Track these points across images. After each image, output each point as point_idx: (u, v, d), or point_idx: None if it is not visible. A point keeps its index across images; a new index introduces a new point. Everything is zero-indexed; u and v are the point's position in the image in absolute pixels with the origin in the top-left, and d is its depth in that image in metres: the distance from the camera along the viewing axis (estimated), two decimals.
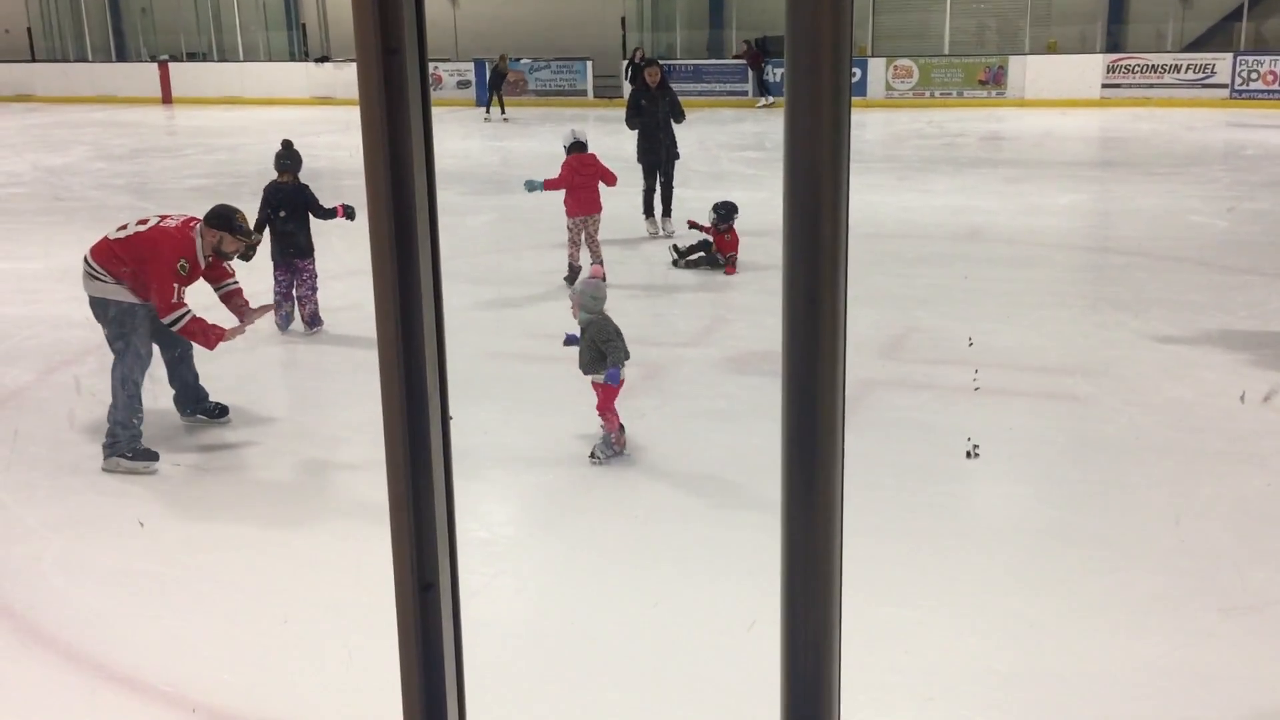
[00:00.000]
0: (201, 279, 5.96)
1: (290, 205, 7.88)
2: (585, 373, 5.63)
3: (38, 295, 9.17)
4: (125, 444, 5.56)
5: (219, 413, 6.28)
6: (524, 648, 4.01)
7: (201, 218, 5.85)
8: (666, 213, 11.17)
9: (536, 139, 20.82)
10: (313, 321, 8.00)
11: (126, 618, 4.22)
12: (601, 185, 9.17)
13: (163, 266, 5.55)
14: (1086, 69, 23.71)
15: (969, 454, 5.52)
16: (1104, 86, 23.69)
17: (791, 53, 1.00)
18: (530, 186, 9.03)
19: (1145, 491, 5.15)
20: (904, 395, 6.45)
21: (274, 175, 8.22)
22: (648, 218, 11.22)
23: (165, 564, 4.65)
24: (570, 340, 5.76)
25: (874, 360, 7.11)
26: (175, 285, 5.58)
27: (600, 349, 5.51)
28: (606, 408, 5.58)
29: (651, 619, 4.15)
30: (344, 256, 9.10)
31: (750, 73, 25.79)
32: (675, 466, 5.54)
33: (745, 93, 25.92)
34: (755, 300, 8.90)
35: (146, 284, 5.59)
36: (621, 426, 5.64)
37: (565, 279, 9.11)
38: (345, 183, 14.25)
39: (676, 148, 11.32)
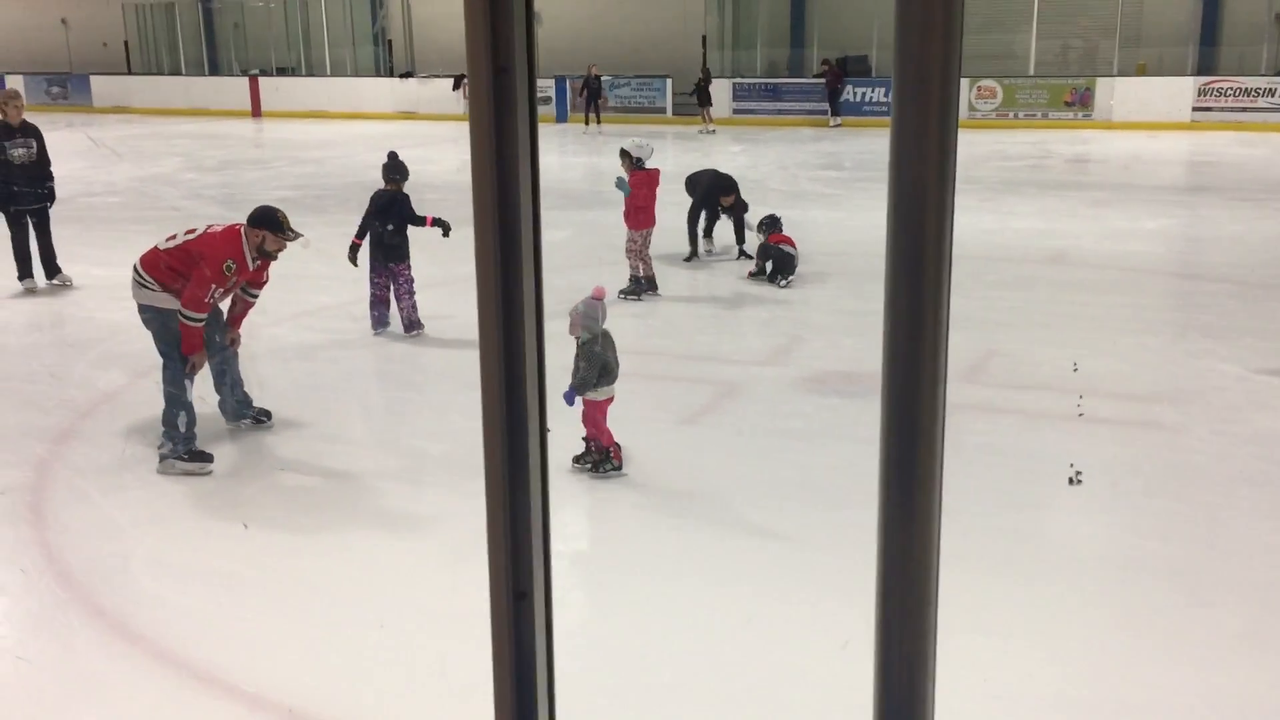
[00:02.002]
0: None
1: (394, 213, 8.10)
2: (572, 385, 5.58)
3: (130, 302, 9.41)
4: (180, 446, 5.70)
5: (264, 417, 6.37)
6: (608, 660, 4.02)
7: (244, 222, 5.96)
8: (740, 240, 11.02)
9: (614, 156, 20.94)
10: (410, 325, 8.22)
11: (214, 619, 4.32)
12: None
13: (210, 268, 5.69)
14: (1176, 91, 23.24)
15: (1072, 480, 5.42)
16: (1194, 110, 23.19)
17: (900, 73, 1.01)
18: (620, 185, 9.28)
19: (1236, 524, 5.02)
20: (986, 420, 6.36)
21: (370, 188, 8.46)
22: (706, 238, 11.10)
23: (253, 566, 4.75)
24: (569, 397, 5.62)
25: (955, 384, 6.99)
26: (214, 286, 5.70)
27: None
28: (590, 422, 5.57)
29: (740, 638, 4.14)
30: (433, 267, 9.22)
31: (827, 92, 25.67)
32: (752, 485, 5.53)
33: (825, 112, 25.81)
34: (830, 320, 8.86)
35: (192, 284, 5.69)
36: (615, 444, 5.62)
37: (627, 292, 9.23)
38: (428, 196, 14.47)
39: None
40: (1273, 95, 22.80)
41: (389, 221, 8.09)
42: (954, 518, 5.01)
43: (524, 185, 1.20)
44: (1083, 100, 24.16)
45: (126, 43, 34.89)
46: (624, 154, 9.37)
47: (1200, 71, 24.41)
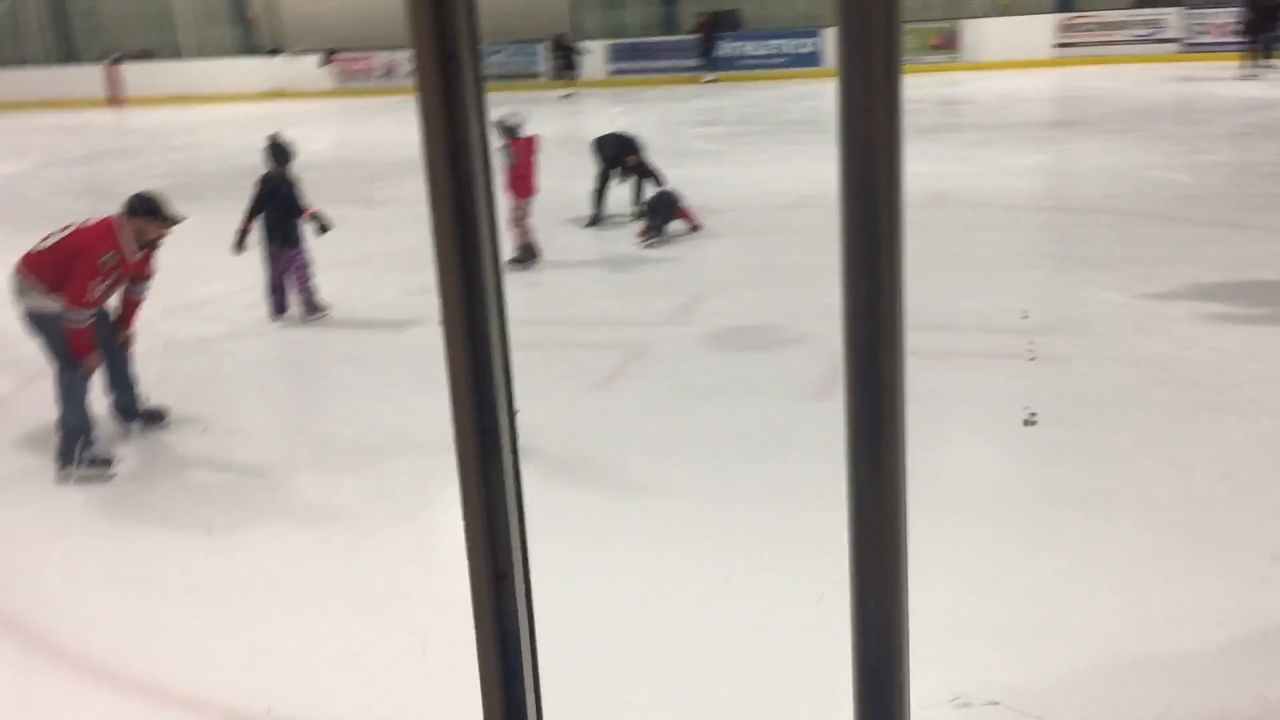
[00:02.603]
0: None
1: (280, 197, 7.94)
2: None
3: (7, 305, 9.06)
4: (80, 452, 5.53)
5: (157, 418, 6.16)
6: (586, 633, 4.03)
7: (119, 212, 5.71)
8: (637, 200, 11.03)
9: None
10: (310, 309, 8.10)
11: (140, 625, 4.22)
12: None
13: (87, 263, 5.45)
14: (1038, 29, 23.89)
15: (1027, 421, 5.55)
16: (1056, 46, 23.87)
17: (845, 30, 1.03)
18: (505, 152, 9.22)
19: (1133, 447, 5.25)
20: None
21: (246, 172, 8.24)
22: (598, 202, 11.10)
23: (172, 569, 4.65)
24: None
25: None
26: (92, 282, 5.45)
27: None
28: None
29: (716, 598, 4.20)
30: (327, 249, 9.05)
31: (701, 48, 25.70)
32: (674, 444, 5.59)
33: (700, 69, 25.89)
34: (729, 275, 8.96)
35: (71, 282, 5.46)
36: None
37: (516, 260, 9.24)
38: (309, 175, 14.14)
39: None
40: (1129, 28, 23.58)
41: (276, 206, 7.91)
42: None
43: (478, 172, 1.21)
44: (949, 43, 24.66)
45: None
46: (499, 126, 9.28)
47: (1060, 8, 25.11)
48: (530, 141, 9.38)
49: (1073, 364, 6.36)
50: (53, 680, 3.89)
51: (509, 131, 9.27)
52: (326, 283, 8.37)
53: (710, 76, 25.37)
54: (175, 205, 5.90)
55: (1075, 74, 22.31)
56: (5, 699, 3.83)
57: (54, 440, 5.62)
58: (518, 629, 1.36)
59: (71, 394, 5.52)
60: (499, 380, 1.28)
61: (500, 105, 10.23)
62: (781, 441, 5.58)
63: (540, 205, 9.69)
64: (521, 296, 8.73)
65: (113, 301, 5.91)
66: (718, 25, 26.02)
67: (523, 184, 9.32)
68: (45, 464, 5.70)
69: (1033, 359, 6.41)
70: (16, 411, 6.60)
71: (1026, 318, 7.10)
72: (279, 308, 8.12)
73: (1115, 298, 7.46)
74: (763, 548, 4.52)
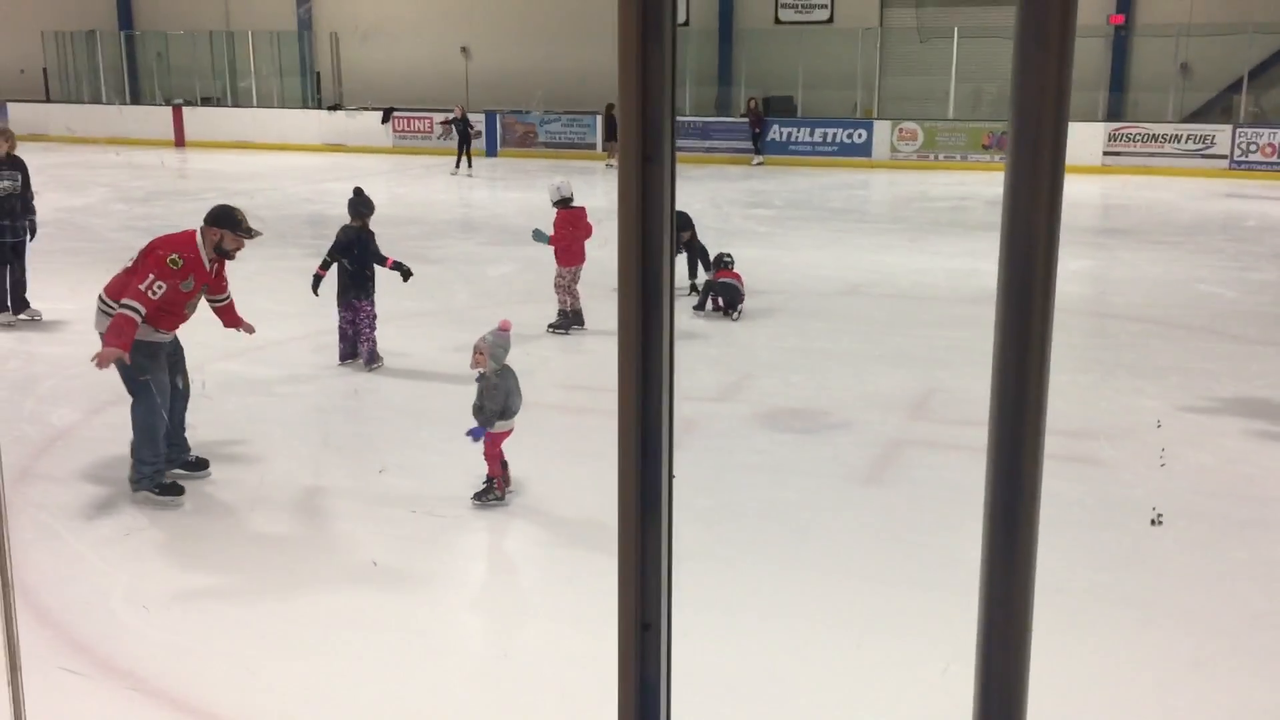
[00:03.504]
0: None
1: (360, 248, 8.20)
2: (475, 417, 5.74)
3: (74, 335, 9.33)
4: (149, 480, 5.69)
5: (199, 467, 6.18)
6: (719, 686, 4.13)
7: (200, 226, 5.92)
8: (693, 274, 11.21)
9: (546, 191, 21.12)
10: (370, 359, 8.29)
11: (202, 654, 4.34)
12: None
13: (154, 259, 5.61)
14: (1089, 136, 24.15)
15: (1154, 521, 5.58)
16: (1105, 154, 24.12)
17: (1017, 132, 1.17)
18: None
19: (1178, 554, 5.32)
20: (934, 454, 6.63)
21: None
22: None
23: (234, 603, 4.78)
24: (478, 433, 5.74)
25: (902, 419, 7.29)
26: (154, 275, 5.53)
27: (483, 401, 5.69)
28: (488, 455, 5.74)
29: (829, 668, 4.29)
30: (388, 301, 9.29)
31: (751, 132, 26.12)
32: (722, 519, 5.70)
33: (751, 150, 26.32)
34: (778, 357, 9.10)
35: (135, 277, 5.57)
36: (505, 475, 5.80)
37: (554, 326, 9.49)
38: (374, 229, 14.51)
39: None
40: (1179, 141, 23.82)
41: (355, 257, 8.17)
42: (911, 549, 5.25)
43: (666, 262, 1.36)
44: (999, 143, 24.97)
45: (45, 69, 34.21)
46: (556, 201, 9.61)
47: (1110, 117, 25.42)
48: (574, 213, 9.59)
49: (1118, 470, 6.43)
50: (116, 702, 4.01)
51: (562, 202, 9.52)
52: (389, 335, 8.59)
53: (758, 160, 25.74)
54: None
55: (1123, 183, 22.52)
56: (61, 713, 3.95)
57: (122, 469, 5.79)
58: (658, 677, 1.47)
59: (146, 425, 5.69)
60: (664, 446, 1.41)
61: (553, 174, 10.54)
62: (831, 521, 5.67)
63: (595, 275, 9.90)
64: (573, 363, 8.94)
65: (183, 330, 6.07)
66: (767, 111, 26.47)
67: (564, 254, 9.54)
68: (110, 493, 5.87)
69: (1163, 465, 6.50)
70: (83, 440, 6.78)
71: (1160, 426, 7.15)
72: (346, 355, 8.35)
73: (1161, 407, 7.53)
74: (825, 620, 4.60)
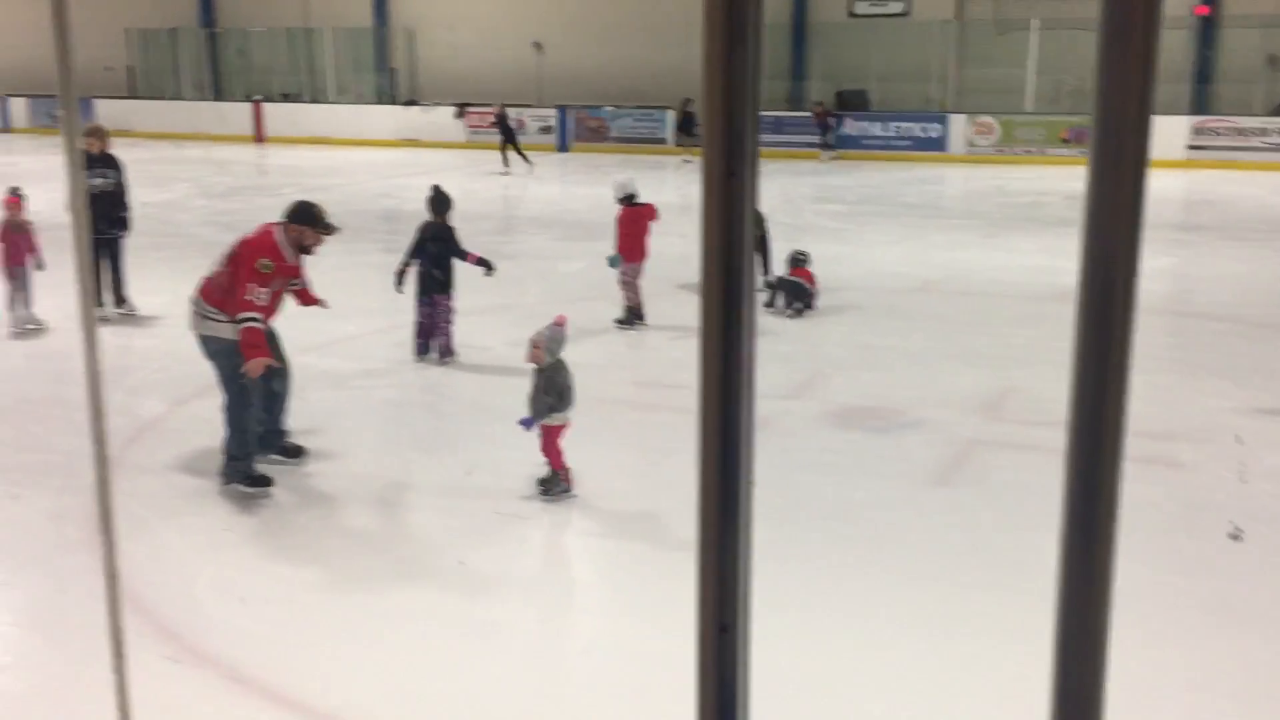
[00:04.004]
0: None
1: (440, 244, 8.34)
2: (529, 411, 5.82)
3: (161, 328, 9.61)
4: (241, 472, 5.86)
5: (294, 454, 6.40)
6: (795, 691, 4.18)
7: (278, 221, 6.09)
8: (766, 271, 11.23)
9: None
10: (444, 353, 8.42)
11: (286, 642, 4.47)
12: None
13: (247, 270, 5.82)
14: (1172, 130, 23.63)
15: (1234, 536, 5.47)
16: (1189, 148, 23.58)
17: (1099, 127, 1.16)
18: (613, 263, 9.64)
19: (1259, 562, 5.22)
20: (1009, 456, 6.57)
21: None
22: None
23: (317, 592, 4.91)
24: (529, 423, 5.83)
25: (977, 419, 7.23)
26: (251, 284, 5.77)
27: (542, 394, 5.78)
28: (546, 449, 5.84)
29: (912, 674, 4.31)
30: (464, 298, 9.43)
31: (819, 129, 25.76)
32: (795, 518, 5.71)
33: (824, 145, 26.15)
34: (849, 354, 9.07)
35: (236, 291, 5.81)
36: (565, 467, 5.88)
37: (620, 321, 9.61)
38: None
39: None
40: (1265, 135, 23.21)
41: (435, 253, 8.31)
42: (985, 553, 5.22)
43: (746, 278, 1.39)
44: (1079, 137, 24.52)
45: (130, 67, 35.11)
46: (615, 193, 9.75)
47: (1195, 110, 24.83)
48: (637, 210, 9.66)
49: (1199, 473, 6.33)
50: (202, 687, 4.14)
51: (626, 199, 9.62)
52: (465, 329, 8.72)
53: (830, 155, 25.47)
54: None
55: (1207, 177, 22.00)
56: (159, 702, 4.08)
57: (209, 460, 5.96)
58: (734, 679, 1.51)
59: (238, 420, 5.84)
60: (744, 452, 1.45)
61: (624, 169, 10.60)
62: (903, 521, 5.66)
63: (661, 270, 9.94)
64: (637, 358, 8.99)
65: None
66: (840, 106, 26.20)
67: (630, 250, 9.62)
68: (197, 484, 6.05)
69: (1245, 482, 6.39)
70: (169, 431, 6.99)
71: (1240, 441, 7.02)
72: (422, 349, 8.49)
73: (1242, 409, 7.38)
74: (909, 625, 4.60)
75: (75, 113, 2.29)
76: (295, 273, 6.15)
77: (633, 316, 9.68)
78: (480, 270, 8.48)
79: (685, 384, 8.10)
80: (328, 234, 6.16)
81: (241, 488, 5.85)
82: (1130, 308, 1.26)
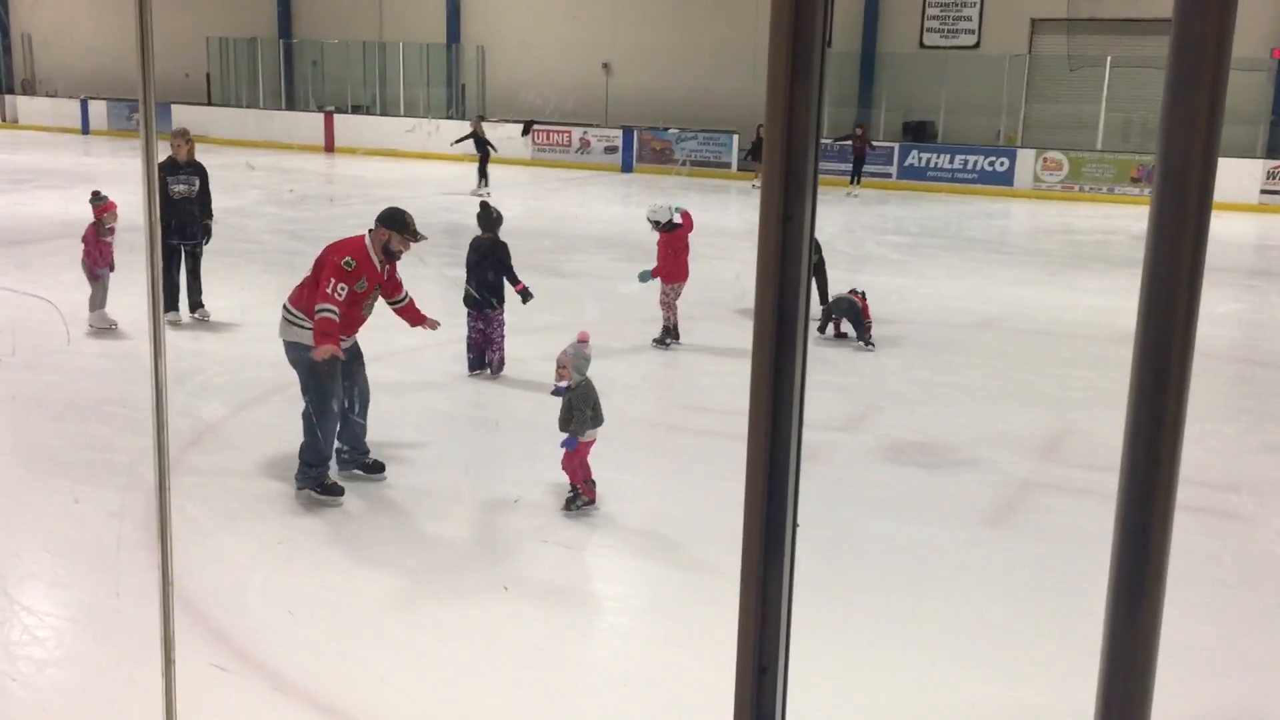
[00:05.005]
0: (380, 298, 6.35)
1: (492, 260, 8.48)
2: (561, 429, 5.88)
3: (225, 333, 9.80)
4: (315, 479, 5.94)
5: (375, 469, 6.43)
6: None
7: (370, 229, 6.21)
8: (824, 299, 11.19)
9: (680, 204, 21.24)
10: (498, 367, 8.56)
11: (335, 652, 4.52)
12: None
13: (331, 266, 5.93)
14: (1245, 173, 23.21)
15: None
16: (1263, 192, 23.14)
17: (1163, 168, 1.16)
18: (643, 278, 9.82)
19: None
20: (1066, 500, 6.47)
21: (444, 230, 8.83)
22: None
23: (369, 605, 4.96)
24: (558, 391, 6.00)
25: (1033, 461, 7.14)
26: (333, 279, 5.87)
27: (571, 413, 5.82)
28: (567, 465, 5.89)
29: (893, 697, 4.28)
30: (515, 314, 9.50)
31: (854, 158, 24.26)
32: (839, 551, 5.67)
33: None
34: (905, 389, 8.99)
35: (319, 284, 5.91)
36: (590, 481, 5.92)
37: (657, 340, 9.81)
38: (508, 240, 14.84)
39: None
40: None
41: (485, 269, 8.42)
42: (1039, 597, 5.14)
43: (799, 322, 1.39)
44: (1149, 177, 24.17)
45: (208, 74, 35.89)
46: (650, 220, 9.95)
47: (1269, 154, 24.38)
48: (675, 235, 9.84)
49: (1261, 526, 6.19)
50: (247, 693, 4.20)
51: (656, 225, 9.86)
52: (514, 346, 8.78)
53: (855, 192, 23.77)
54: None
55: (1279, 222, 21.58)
56: (205, 706, 4.15)
57: (268, 466, 6.06)
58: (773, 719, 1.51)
59: (317, 427, 5.92)
60: (790, 492, 1.45)
61: (687, 192, 10.62)
62: (953, 561, 5.59)
63: (721, 296, 9.95)
64: (695, 385, 8.99)
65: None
66: (872, 142, 24.97)
67: (671, 272, 9.81)
68: (254, 490, 6.14)
69: None
70: (230, 435, 7.11)
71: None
72: (475, 364, 8.57)
73: None
74: (946, 668, 4.55)
75: (153, 119, 2.35)
76: (381, 279, 6.24)
77: (669, 336, 9.81)
78: (519, 298, 8.53)
79: (721, 406, 8.13)
80: (415, 240, 6.27)
81: (314, 494, 5.94)
82: (1188, 353, 1.24)
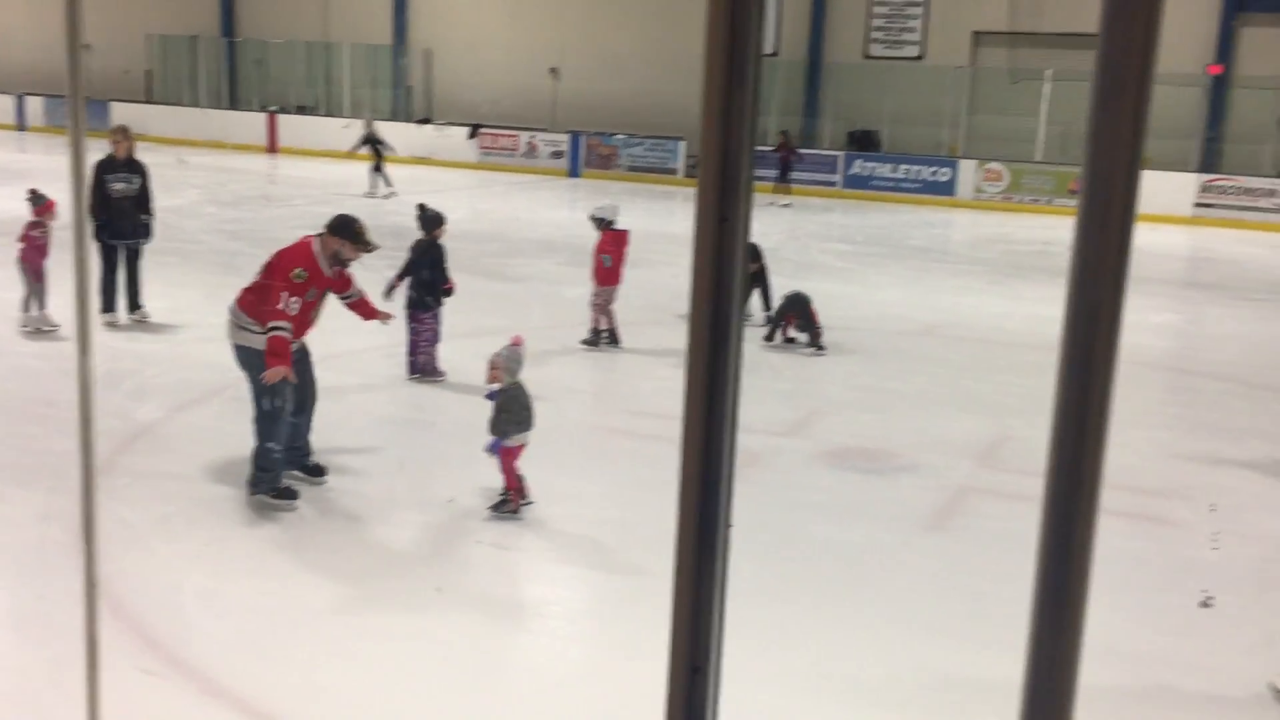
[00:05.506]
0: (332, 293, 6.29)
1: (431, 261, 8.47)
2: (491, 432, 5.88)
3: (163, 334, 9.64)
4: (267, 484, 5.85)
5: (316, 473, 6.37)
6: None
7: (318, 232, 6.13)
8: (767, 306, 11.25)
9: (625, 214, 21.23)
10: (427, 371, 8.58)
11: (271, 658, 4.45)
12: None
13: (280, 277, 5.83)
14: (1180, 186, 23.72)
15: (1204, 604, 5.37)
16: (1196, 205, 23.66)
17: (1090, 178, 1.18)
18: (605, 213, 10.09)
19: (1242, 622, 5.20)
20: (1000, 504, 6.56)
21: (389, 232, 8.78)
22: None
23: (301, 608, 4.89)
24: (491, 395, 5.99)
25: (970, 466, 7.22)
26: (284, 293, 5.78)
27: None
28: (505, 467, 5.89)
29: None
30: (456, 317, 9.45)
31: (779, 165, 23.59)
32: (781, 558, 5.70)
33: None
34: (850, 395, 9.07)
35: (268, 299, 5.82)
36: (520, 487, 5.92)
37: (586, 341, 9.88)
38: (446, 243, 14.74)
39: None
40: (1273, 196, 23.28)
41: (428, 269, 8.37)
42: (977, 602, 5.20)
43: (735, 315, 1.40)
44: None
45: (148, 71, 35.32)
46: (593, 219, 10.04)
47: (1204, 168, 24.92)
48: (617, 235, 9.93)
49: (1189, 531, 6.31)
50: (176, 697, 4.13)
51: (598, 224, 9.92)
52: (457, 350, 8.73)
53: (784, 201, 23.13)
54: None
55: (1214, 235, 22.07)
56: (131, 710, 4.07)
57: (201, 470, 5.96)
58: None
59: (269, 432, 5.82)
60: (724, 491, 1.45)
61: (632, 197, 10.65)
62: (891, 565, 5.64)
63: (663, 300, 9.96)
64: (636, 389, 8.99)
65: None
66: (795, 149, 24.35)
67: (601, 274, 9.88)
68: (188, 492, 6.04)
69: (1214, 541, 6.38)
70: (164, 437, 6.99)
71: (1214, 509, 6.87)
72: (414, 367, 8.50)
73: (1240, 469, 7.37)
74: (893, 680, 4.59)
75: (82, 114, 2.30)
76: (329, 285, 6.17)
77: (598, 338, 9.92)
78: (472, 290, 8.53)
79: (662, 411, 8.14)
80: (366, 250, 6.17)
81: (267, 499, 5.85)
82: (1111, 359, 1.26)
